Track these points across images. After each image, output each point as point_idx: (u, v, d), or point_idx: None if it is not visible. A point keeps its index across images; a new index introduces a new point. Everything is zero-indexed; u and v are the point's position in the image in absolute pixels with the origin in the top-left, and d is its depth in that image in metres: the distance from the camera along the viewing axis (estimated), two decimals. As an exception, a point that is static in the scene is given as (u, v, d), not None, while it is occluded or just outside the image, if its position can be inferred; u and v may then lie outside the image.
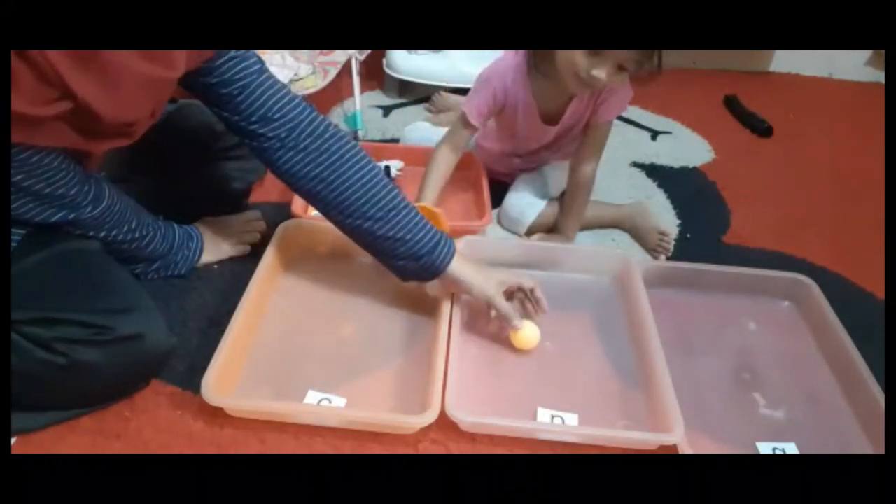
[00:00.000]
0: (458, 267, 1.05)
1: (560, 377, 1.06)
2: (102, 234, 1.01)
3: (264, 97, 0.98)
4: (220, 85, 0.96)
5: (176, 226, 1.16)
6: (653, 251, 1.35)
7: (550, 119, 1.31)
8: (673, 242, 1.36)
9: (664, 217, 1.48)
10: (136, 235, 1.06)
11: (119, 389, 0.95)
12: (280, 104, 0.99)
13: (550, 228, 1.38)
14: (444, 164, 1.32)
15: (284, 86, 1.02)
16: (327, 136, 1.01)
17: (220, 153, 1.25)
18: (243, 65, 0.96)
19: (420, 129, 1.62)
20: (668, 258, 1.33)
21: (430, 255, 1.02)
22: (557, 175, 1.45)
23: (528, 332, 1.08)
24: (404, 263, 1.04)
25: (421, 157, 1.53)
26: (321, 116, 1.03)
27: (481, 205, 1.38)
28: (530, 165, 1.44)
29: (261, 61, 0.99)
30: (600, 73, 1.11)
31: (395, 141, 1.68)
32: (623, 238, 1.41)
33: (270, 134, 0.99)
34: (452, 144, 1.32)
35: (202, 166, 1.24)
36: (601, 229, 1.42)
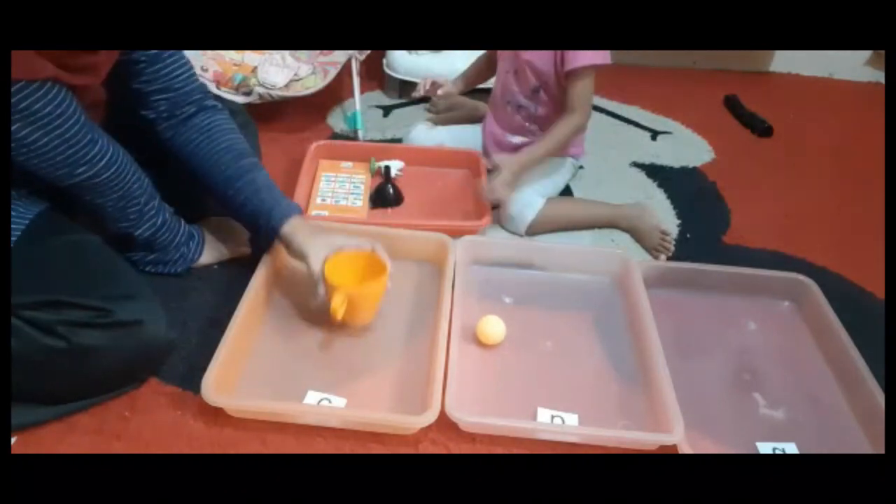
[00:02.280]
0: (292, 229, 1.08)
1: (560, 377, 1.06)
2: (117, 191, 1.01)
3: (168, 69, 1.07)
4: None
5: (182, 221, 1.16)
6: (653, 251, 1.35)
7: None
8: (674, 242, 1.36)
9: (664, 217, 1.47)
10: (146, 210, 1.07)
11: (119, 380, 0.96)
12: (181, 78, 1.09)
13: (551, 229, 1.38)
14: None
15: (187, 60, 1.10)
16: (209, 112, 1.13)
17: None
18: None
19: (421, 129, 1.62)
20: (669, 258, 1.33)
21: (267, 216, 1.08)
22: (557, 174, 1.45)
23: (492, 328, 1.08)
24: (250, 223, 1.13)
25: (421, 157, 1.54)
26: (208, 95, 1.14)
27: (481, 205, 1.38)
28: (527, 125, 1.45)
29: None
30: None
31: (395, 141, 1.68)
32: (623, 238, 1.41)
33: (163, 105, 1.09)
34: None
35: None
36: (601, 229, 1.42)
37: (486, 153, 1.52)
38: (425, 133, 1.60)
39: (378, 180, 1.45)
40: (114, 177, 0.99)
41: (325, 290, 1.04)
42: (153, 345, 0.95)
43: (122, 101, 1.07)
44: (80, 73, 0.91)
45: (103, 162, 0.96)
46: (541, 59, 1.34)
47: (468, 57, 1.81)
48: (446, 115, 1.74)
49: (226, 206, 1.14)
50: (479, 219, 1.36)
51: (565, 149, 1.43)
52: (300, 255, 1.07)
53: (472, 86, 1.58)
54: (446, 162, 1.54)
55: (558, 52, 1.30)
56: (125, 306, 0.91)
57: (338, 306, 1.01)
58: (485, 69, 1.54)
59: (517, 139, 1.47)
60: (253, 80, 1.58)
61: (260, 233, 1.12)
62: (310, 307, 1.10)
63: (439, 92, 1.52)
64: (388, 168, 1.46)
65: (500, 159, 1.35)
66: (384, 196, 1.41)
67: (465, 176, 1.52)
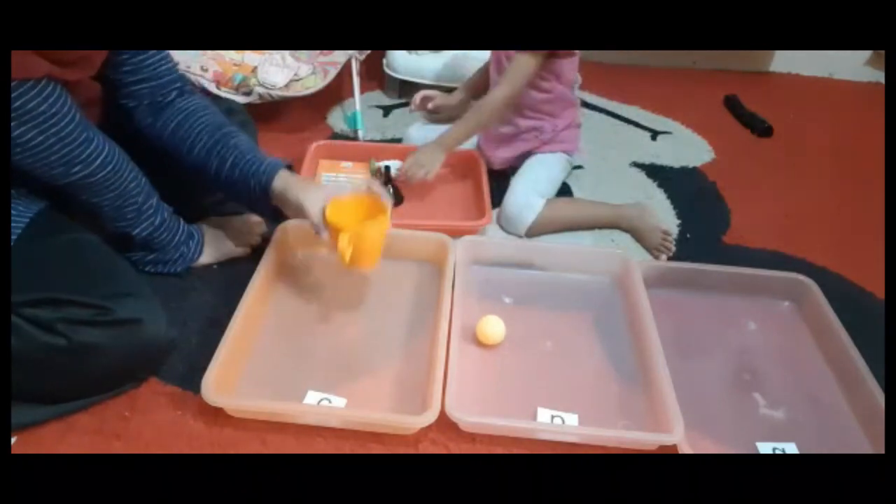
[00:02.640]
0: (284, 184, 1.06)
1: (560, 377, 1.06)
2: (115, 188, 1.01)
3: (151, 59, 1.07)
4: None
5: (181, 221, 1.16)
6: (654, 250, 1.35)
7: None
8: (674, 242, 1.36)
9: (664, 217, 1.47)
10: (144, 209, 1.06)
11: (119, 379, 0.96)
12: (163, 68, 1.09)
13: (551, 230, 1.38)
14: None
15: (168, 53, 1.11)
16: (186, 96, 1.12)
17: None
18: None
19: (419, 129, 1.62)
20: (669, 258, 1.33)
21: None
22: (552, 172, 1.45)
23: (492, 328, 1.09)
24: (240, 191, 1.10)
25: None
26: (186, 83, 1.14)
27: (481, 205, 1.38)
28: (511, 114, 1.46)
29: None
30: None
31: (395, 141, 1.68)
32: (623, 238, 1.41)
33: (145, 93, 1.08)
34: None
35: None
36: (601, 229, 1.42)
37: (479, 148, 1.54)
38: (423, 132, 1.60)
39: (378, 180, 1.45)
40: (110, 175, 0.99)
41: (328, 236, 1.04)
42: (153, 343, 0.95)
43: (113, 95, 1.07)
44: (74, 66, 0.91)
45: (99, 161, 0.96)
46: None
47: (468, 57, 1.82)
48: (446, 115, 1.74)
49: (215, 179, 1.11)
50: (479, 219, 1.36)
51: (497, 119, 1.44)
52: (297, 207, 1.05)
53: (478, 96, 1.59)
54: (446, 161, 1.53)
55: None
56: (125, 304, 0.91)
57: (345, 248, 1.00)
58: (486, 79, 1.54)
59: (506, 129, 1.48)
60: (253, 80, 1.58)
61: (254, 195, 1.09)
62: (312, 296, 1.10)
63: (429, 106, 1.53)
64: (388, 168, 1.46)
65: (424, 144, 1.39)
66: (384, 196, 1.41)
67: (465, 176, 1.52)
